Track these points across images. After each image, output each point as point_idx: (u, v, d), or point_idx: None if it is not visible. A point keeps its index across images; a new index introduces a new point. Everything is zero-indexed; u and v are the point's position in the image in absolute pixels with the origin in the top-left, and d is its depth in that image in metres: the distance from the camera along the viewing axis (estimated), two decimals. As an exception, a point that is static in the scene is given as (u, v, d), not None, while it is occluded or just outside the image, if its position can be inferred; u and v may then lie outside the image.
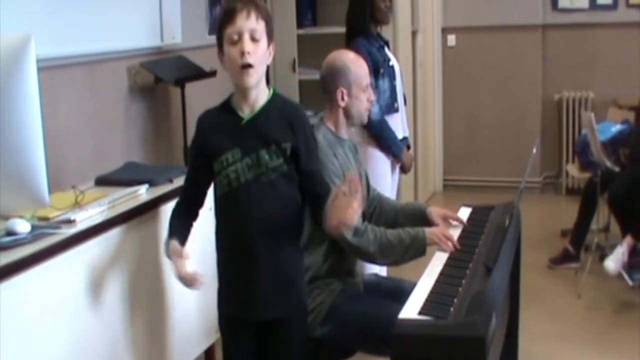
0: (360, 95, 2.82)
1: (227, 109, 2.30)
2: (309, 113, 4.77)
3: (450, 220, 2.81)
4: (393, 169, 3.94)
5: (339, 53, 2.90)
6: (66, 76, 3.42)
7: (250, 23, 2.19)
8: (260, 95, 2.28)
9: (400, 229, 2.70)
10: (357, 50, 3.17)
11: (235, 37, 2.20)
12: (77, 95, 3.51)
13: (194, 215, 2.36)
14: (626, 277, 4.32)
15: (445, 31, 6.76)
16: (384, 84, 3.83)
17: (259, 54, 2.21)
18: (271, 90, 2.32)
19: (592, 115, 4.58)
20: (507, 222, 2.64)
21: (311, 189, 2.30)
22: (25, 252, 2.04)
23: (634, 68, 6.18)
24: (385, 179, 3.84)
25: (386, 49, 3.97)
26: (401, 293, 2.40)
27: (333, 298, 2.68)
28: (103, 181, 2.81)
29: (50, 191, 2.15)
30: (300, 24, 5.46)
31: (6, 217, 2.20)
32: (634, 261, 4.32)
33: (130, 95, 3.93)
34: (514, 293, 2.99)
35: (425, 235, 2.62)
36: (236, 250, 2.28)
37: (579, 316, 4.16)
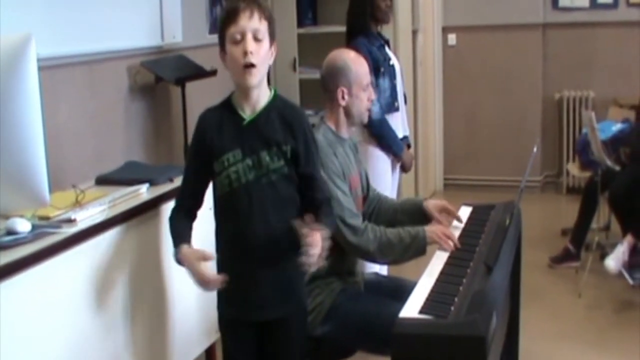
0: (361, 94, 2.82)
1: (228, 108, 2.30)
2: (309, 112, 4.81)
3: (449, 218, 2.81)
4: (393, 168, 3.94)
5: (340, 52, 2.90)
6: (66, 76, 3.42)
7: (253, 23, 2.19)
8: (261, 95, 2.28)
9: (400, 227, 2.70)
10: (357, 50, 3.16)
11: (238, 37, 2.19)
12: (77, 94, 3.51)
13: (194, 217, 2.35)
14: (627, 276, 4.32)
15: (445, 30, 6.76)
16: (385, 83, 3.83)
17: (262, 54, 2.21)
18: (272, 91, 2.32)
19: (593, 114, 4.58)
20: (507, 221, 2.64)
21: (308, 193, 2.30)
22: (26, 252, 2.04)
23: (634, 67, 6.18)
24: (385, 178, 3.85)
25: (386, 48, 3.97)
26: (402, 292, 2.39)
27: (333, 297, 2.68)
28: (103, 180, 2.80)
29: (50, 190, 2.15)
30: (300, 23, 5.46)
31: (7, 217, 2.20)
32: (635, 260, 4.32)
33: (130, 94, 3.93)
34: (515, 292, 2.99)
35: (425, 234, 2.62)
36: (236, 250, 2.27)
37: (580, 315, 4.16)
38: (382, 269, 3.59)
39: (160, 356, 2.66)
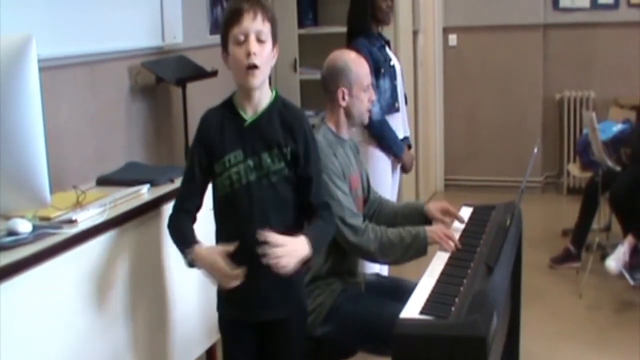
0: (361, 95, 2.82)
1: (229, 108, 2.30)
2: (310, 113, 4.81)
3: (451, 219, 2.81)
4: (394, 168, 3.94)
5: (340, 53, 2.90)
6: (67, 76, 3.42)
7: (256, 24, 2.19)
8: (263, 96, 2.28)
9: (401, 227, 2.70)
10: (358, 50, 3.16)
11: (242, 38, 2.19)
12: (78, 95, 3.51)
13: (195, 220, 2.34)
14: (627, 276, 4.32)
15: (446, 31, 6.76)
16: (385, 83, 3.83)
17: (265, 55, 2.21)
18: (273, 92, 2.32)
19: (593, 114, 4.58)
20: (508, 222, 2.64)
21: (304, 196, 2.29)
22: (27, 252, 2.04)
23: (635, 67, 6.18)
24: (385, 178, 3.85)
25: (387, 49, 3.97)
26: (402, 293, 2.39)
27: (334, 298, 2.68)
28: (104, 181, 2.80)
29: (51, 191, 2.15)
30: (301, 24, 5.46)
31: (7, 217, 2.20)
32: (635, 261, 4.32)
33: (131, 95, 3.93)
34: (515, 293, 2.99)
35: (426, 234, 2.62)
36: (236, 251, 2.27)
37: (580, 316, 4.16)
38: (383, 270, 3.59)
39: (161, 357, 2.66)
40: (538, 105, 6.61)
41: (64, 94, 3.38)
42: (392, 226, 2.77)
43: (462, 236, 2.66)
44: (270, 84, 2.34)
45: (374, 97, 2.90)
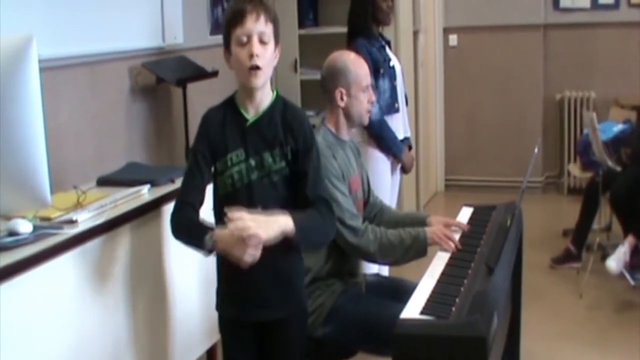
0: (360, 95, 2.82)
1: (231, 108, 2.30)
2: (310, 113, 4.81)
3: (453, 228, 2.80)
4: (394, 169, 3.94)
5: (340, 53, 2.90)
6: (68, 76, 3.42)
7: (259, 26, 2.20)
8: (265, 96, 2.29)
9: (401, 229, 2.70)
10: (357, 51, 3.17)
11: (244, 39, 2.20)
12: (78, 95, 3.51)
13: (199, 215, 2.31)
14: (628, 276, 4.32)
15: (446, 31, 6.76)
16: (384, 84, 3.83)
17: (267, 56, 2.22)
18: (274, 93, 2.33)
19: (594, 114, 4.58)
20: (508, 222, 2.64)
21: (299, 189, 2.27)
22: (27, 253, 2.04)
23: (635, 67, 6.18)
24: (385, 179, 3.84)
25: (387, 49, 3.97)
26: (403, 293, 2.39)
27: (334, 299, 2.68)
28: (105, 181, 2.80)
29: (52, 191, 2.15)
30: (301, 24, 5.46)
31: (8, 218, 2.20)
32: (636, 261, 4.32)
33: (131, 95, 3.93)
34: (516, 293, 2.99)
35: (426, 235, 2.62)
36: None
37: (581, 316, 4.16)
38: (383, 270, 3.58)
39: (162, 356, 2.66)
40: (538, 106, 6.61)
41: (64, 94, 3.38)
42: None
43: (462, 236, 2.66)
44: (271, 84, 2.35)
45: (373, 98, 2.89)
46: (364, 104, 2.83)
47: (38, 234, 2.17)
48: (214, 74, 4.11)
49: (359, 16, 3.91)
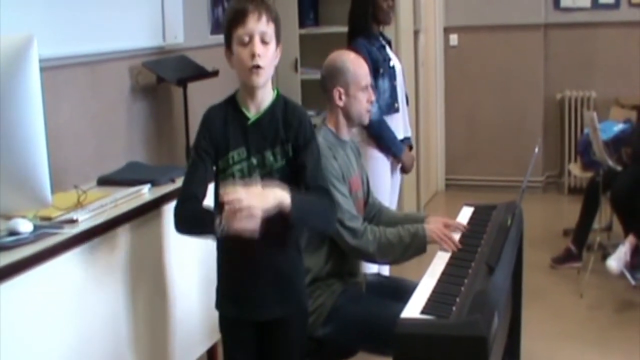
0: (359, 95, 2.81)
1: (232, 106, 2.30)
2: (311, 113, 4.79)
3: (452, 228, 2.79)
4: (394, 169, 3.93)
5: (340, 53, 2.90)
6: (68, 76, 3.42)
7: (261, 26, 2.20)
8: (266, 95, 2.29)
9: (400, 227, 2.69)
10: (356, 50, 3.17)
11: (246, 39, 2.20)
12: (79, 95, 3.51)
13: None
14: (628, 276, 4.32)
15: (447, 31, 6.76)
16: (384, 84, 3.82)
17: (269, 56, 2.22)
18: (275, 92, 2.33)
19: (594, 114, 4.58)
20: (509, 222, 2.64)
21: (301, 182, 2.26)
22: (28, 252, 2.04)
23: (636, 67, 6.18)
24: (384, 179, 3.83)
25: (387, 49, 3.97)
26: (403, 293, 2.39)
27: (335, 299, 2.68)
28: (105, 181, 2.81)
29: (52, 191, 2.15)
30: (302, 24, 5.46)
31: (8, 217, 2.20)
32: (636, 260, 4.32)
33: (132, 95, 3.93)
34: (516, 292, 2.99)
35: (425, 232, 2.62)
36: (236, 250, 2.27)
37: (581, 315, 4.15)
38: (383, 270, 3.58)
39: (162, 356, 2.66)
40: (539, 105, 6.61)
41: (64, 94, 3.38)
42: None
43: (463, 236, 2.66)
44: (272, 83, 2.35)
45: (373, 97, 2.89)
46: (364, 103, 2.83)
47: (38, 233, 2.17)
48: (215, 73, 4.11)
49: (359, 16, 3.90)
